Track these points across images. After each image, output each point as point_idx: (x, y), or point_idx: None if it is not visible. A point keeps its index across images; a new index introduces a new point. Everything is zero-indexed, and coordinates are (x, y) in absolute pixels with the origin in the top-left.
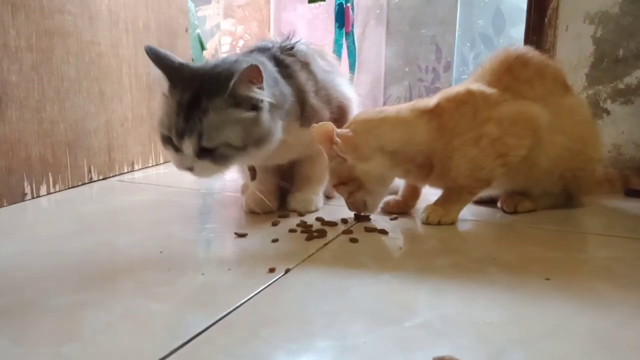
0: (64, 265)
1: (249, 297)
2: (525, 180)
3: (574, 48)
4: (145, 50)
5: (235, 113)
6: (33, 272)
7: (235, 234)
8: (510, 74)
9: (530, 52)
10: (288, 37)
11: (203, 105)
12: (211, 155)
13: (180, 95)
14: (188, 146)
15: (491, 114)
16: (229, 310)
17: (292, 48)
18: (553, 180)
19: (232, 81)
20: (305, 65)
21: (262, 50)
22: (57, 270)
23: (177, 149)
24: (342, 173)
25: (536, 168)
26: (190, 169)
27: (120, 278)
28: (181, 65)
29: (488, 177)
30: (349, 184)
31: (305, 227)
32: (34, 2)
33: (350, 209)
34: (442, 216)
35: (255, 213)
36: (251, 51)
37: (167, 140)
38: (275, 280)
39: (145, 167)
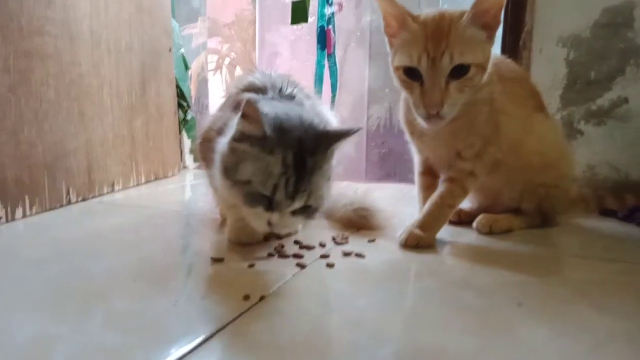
0: (33, 295)
1: (221, 326)
2: (499, 186)
3: (548, 70)
4: (248, 104)
5: (328, 170)
6: (1, 302)
7: (212, 258)
8: (498, 73)
9: (513, 62)
10: (283, 85)
11: (309, 164)
12: (305, 212)
13: (283, 154)
14: (293, 206)
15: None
16: (199, 342)
17: (293, 97)
18: (525, 192)
19: (335, 142)
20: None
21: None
22: (26, 300)
23: (272, 209)
24: None
25: (508, 168)
26: (283, 226)
27: (91, 308)
28: (276, 121)
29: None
30: None
31: (281, 252)
32: (13, 24)
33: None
34: (419, 239)
35: (242, 244)
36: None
37: (259, 200)
38: (249, 309)
39: (127, 188)
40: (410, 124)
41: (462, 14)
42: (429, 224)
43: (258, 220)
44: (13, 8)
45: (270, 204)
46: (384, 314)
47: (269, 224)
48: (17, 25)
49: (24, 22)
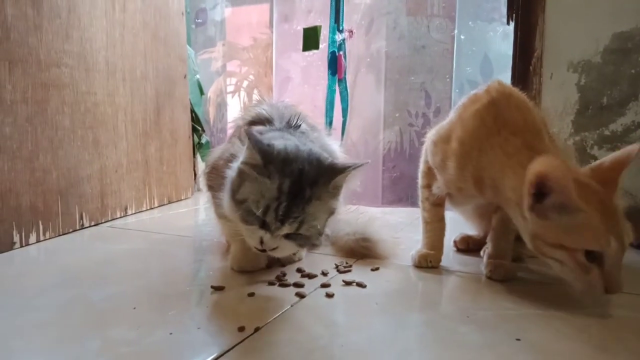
0: (35, 322)
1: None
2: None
3: (559, 95)
4: (249, 136)
5: (331, 204)
6: (2, 330)
7: (212, 287)
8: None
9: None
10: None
11: (306, 194)
12: (299, 238)
13: (280, 181)
14: (283, 230)
15: None
16: None
17: (299, 126)
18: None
19: (337, 175)
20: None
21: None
22: (26, 328)
23: (264, 229)
24: None
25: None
26: (274, 249)
27: (89, 337)
28: (278, 151)
29: None
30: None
31: (282, 280)
32: (32, 57)
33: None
34: (430, 260)
35: (245, 272)
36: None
37: (253, 219)
38: (242, 341)
39: (139, 212)
40: (460, 189)
41: None
42: (433, 243)
43: (252, 237)
44: (33, 43)
45: (263, 224)
46: (377, 350)
47: (262, 242)
48: (36, 58)
49: (42, 56)
